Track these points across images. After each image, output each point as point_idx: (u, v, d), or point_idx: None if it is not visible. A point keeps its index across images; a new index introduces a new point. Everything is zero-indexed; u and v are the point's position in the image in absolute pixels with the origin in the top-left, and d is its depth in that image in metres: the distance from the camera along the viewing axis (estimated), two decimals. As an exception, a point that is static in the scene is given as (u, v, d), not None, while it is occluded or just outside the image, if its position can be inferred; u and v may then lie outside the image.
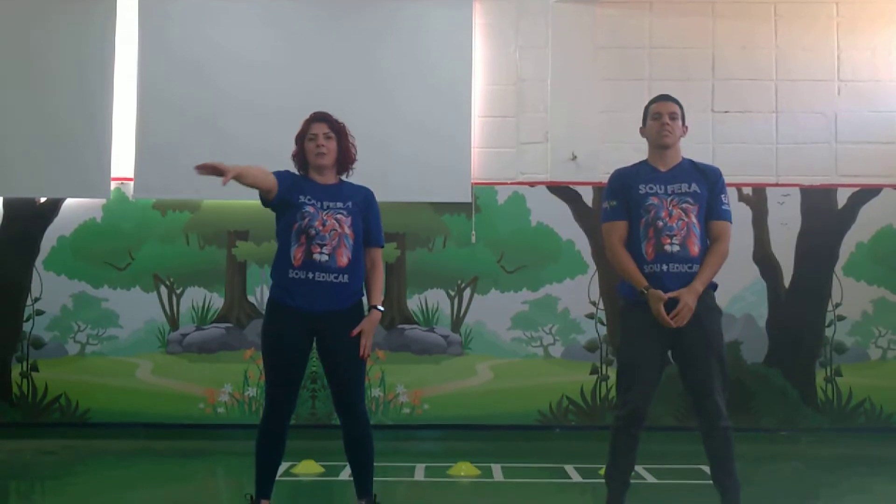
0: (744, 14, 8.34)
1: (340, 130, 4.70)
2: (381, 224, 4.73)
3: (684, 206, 4.54)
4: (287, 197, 4.53)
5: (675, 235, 4.50)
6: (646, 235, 4.53)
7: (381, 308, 4.66)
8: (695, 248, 4.53)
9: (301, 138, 4.70)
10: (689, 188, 4.57)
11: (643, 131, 4.74)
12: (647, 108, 4.75)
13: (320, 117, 4.70)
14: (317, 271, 4.49)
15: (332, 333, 4.58)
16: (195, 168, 4.31)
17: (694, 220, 4.53)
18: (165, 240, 8.09)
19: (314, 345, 4.65)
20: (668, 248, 4.48)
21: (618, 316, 4.73)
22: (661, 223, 4.50)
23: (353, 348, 4.61)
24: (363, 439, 4.69)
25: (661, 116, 4.63)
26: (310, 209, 4.53)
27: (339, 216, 4.56)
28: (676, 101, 4.71)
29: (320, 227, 4.52)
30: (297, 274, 4.50)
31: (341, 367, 4.63)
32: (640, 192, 4.57)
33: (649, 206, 4.54)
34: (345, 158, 4.69)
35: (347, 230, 4.57)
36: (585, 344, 8.07)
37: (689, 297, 4.38)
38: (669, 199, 4.54)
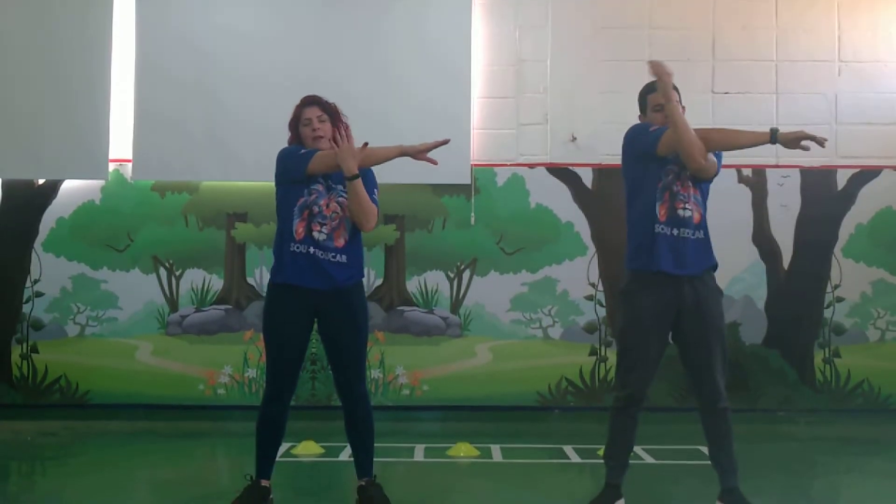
0: (744, -6, 8.32)
1: (333, 112, 4.70)
2: (377, 194, 4.69)
3: (692, 177, 4.58)
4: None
5: (687, 202, 4.54)
6: (661, 197, 4.54)
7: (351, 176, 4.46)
8: (698, 216, 4.58)
9: (295, 124, 4.69)
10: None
11: (643, 119, 4.73)
12: (644, 96, 4.71)
13: (311, 101, 4.69)
14: (316, 248, 4.52)
15: (332, 314, 4.60)
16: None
17: (697, 192, 4.58)
18: (164, 221, 8.09)
19: (316, 327, 4.67)
20: (680, 212, 4.52)
21: (619, 297, 4.74)
22: (676, 188, 4.54)
23: (353, 329, 4.63)
24: (364, 420, 4.71)
25: (662, 108, 4.61)
26: (319, 187, 4.57)
27: (340, 199, 4.59)
28: (674, 88, 4.68)
29: (324, 207, 4.55)
30: (298, 248, 4.52)
31: (342, 349, 4.64)
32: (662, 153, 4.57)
33: (668, 171, 4.56)
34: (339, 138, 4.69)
35: (348, 213, 4.58)
36: (584, 325, 8.08)
37: None
38: (682, 171, 4.58)
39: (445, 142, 4.49)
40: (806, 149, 4.42)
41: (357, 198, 4.52)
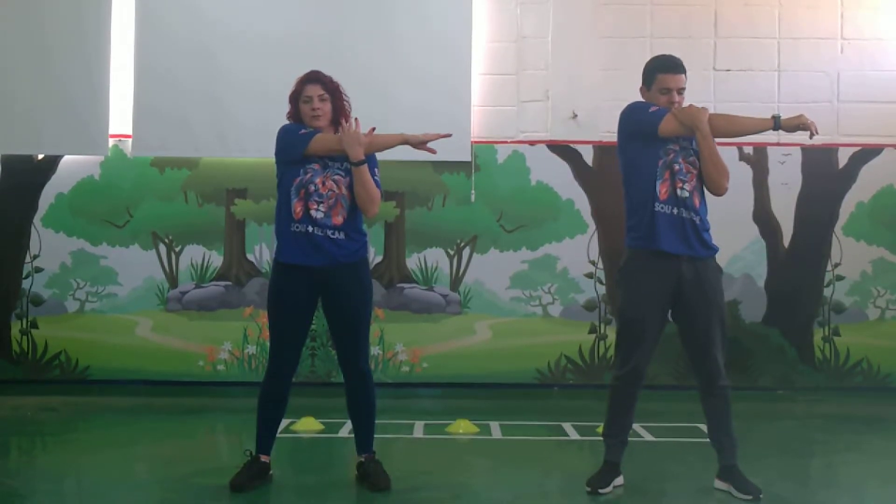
0: (747, -29, 8.25)
1: (334, 91, 4.69)
2: (379, 178, 4.71)
3: (691, 159, 4.57)
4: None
5: (687, 182, 4.52)
6: (662, 175, 4.52)
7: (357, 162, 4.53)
8: (697, 201, 4.57)
9: (295, 99, 4.69)
10: (692, 144, 4.58)
11: (646, 94, 4.68)
12: (653, 72, 4.62)
13: (314, 78, 4.68)
14: (314, 226, 4.54)
15: (334, 291, 4.62)
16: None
17: (698, 181, 4.57)
18: (164, 197, 8.06)
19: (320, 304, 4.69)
20: (679, 192, 4.51)
21: (618, 275, 4.73)
22: (677, 167, 4.53)
23: (355, 306, 4.64)
24: (365, 396, 4.73)
25: (669, 92, 4.57)
26: (315, 166, 4.58)
27: (336, 177, 4.60)
28: (684, 70, 4.63)
29: (320, 185, 4.56)
30: (298, 227, 4.55)
31: (344, 325, 4.66)
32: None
33: (669, 150, 4.54)
34: (339, 117, 4.69)
35: (345, 191, 4.60)
36: (584, 303, 8.08)
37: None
38: (683, 152, 4.56)
39: (447, 135, 4.58)
40: (810, 133, 4.38)
41: (363, 184, 4.53)
